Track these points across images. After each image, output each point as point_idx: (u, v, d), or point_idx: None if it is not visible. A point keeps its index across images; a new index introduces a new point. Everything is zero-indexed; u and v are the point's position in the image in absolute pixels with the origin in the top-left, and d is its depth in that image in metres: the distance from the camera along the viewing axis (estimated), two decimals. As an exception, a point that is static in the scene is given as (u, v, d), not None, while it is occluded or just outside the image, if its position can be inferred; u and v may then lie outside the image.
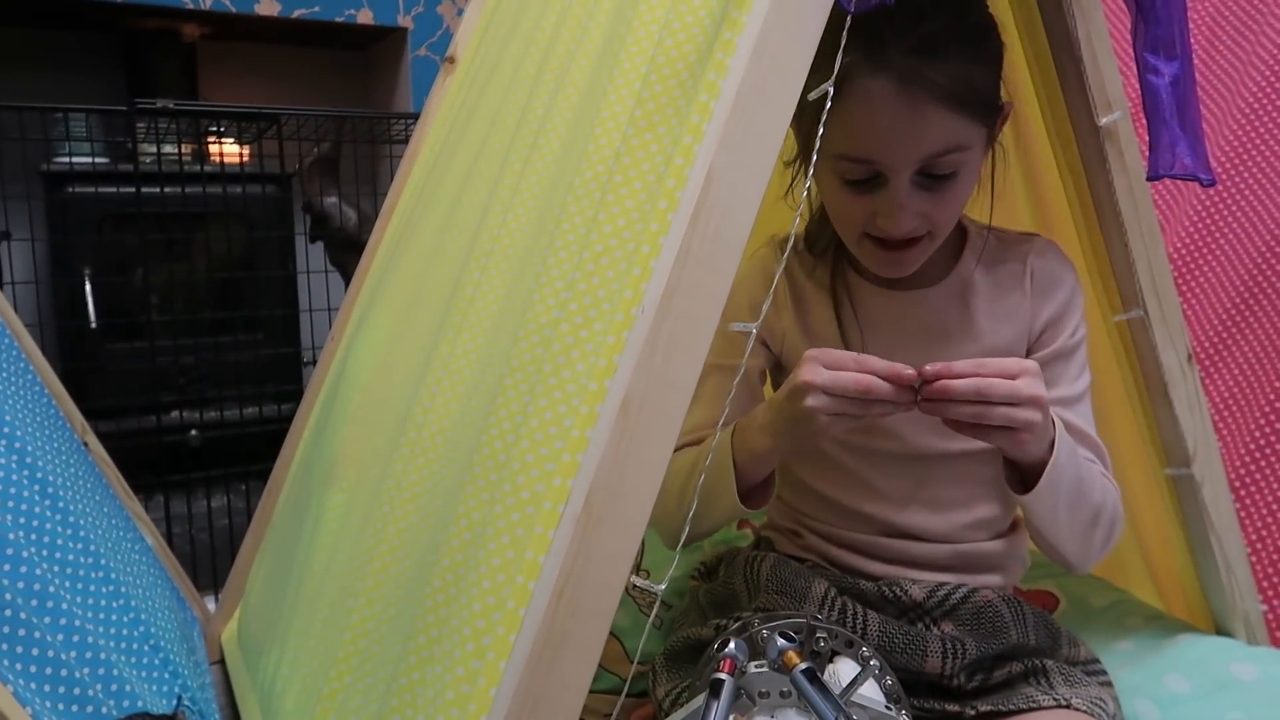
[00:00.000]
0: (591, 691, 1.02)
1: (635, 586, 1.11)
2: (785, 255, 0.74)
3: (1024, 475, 0.83)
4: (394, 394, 1.01)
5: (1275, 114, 1.38)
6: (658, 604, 0.63)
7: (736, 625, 0.64)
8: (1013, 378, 0.74)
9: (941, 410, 0.76)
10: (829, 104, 0.64)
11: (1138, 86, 0.76)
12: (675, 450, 0.90)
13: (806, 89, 0.64)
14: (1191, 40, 1.55)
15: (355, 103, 2.40)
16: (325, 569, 1.01)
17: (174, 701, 0.74)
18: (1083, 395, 0.89)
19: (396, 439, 0.92)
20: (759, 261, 0.95)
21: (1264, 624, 0.99)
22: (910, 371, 0.74)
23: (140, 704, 0.76)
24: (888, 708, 0.61)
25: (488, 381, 0.80)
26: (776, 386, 0.94)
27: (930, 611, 0.85)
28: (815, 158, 0.66)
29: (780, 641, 0.59)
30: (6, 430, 0.89)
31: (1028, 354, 0.89)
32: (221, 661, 1.32)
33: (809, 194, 0.70)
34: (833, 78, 0.65)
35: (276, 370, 1.86)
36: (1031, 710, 0.78)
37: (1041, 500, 0.81)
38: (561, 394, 0.69)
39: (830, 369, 0.75)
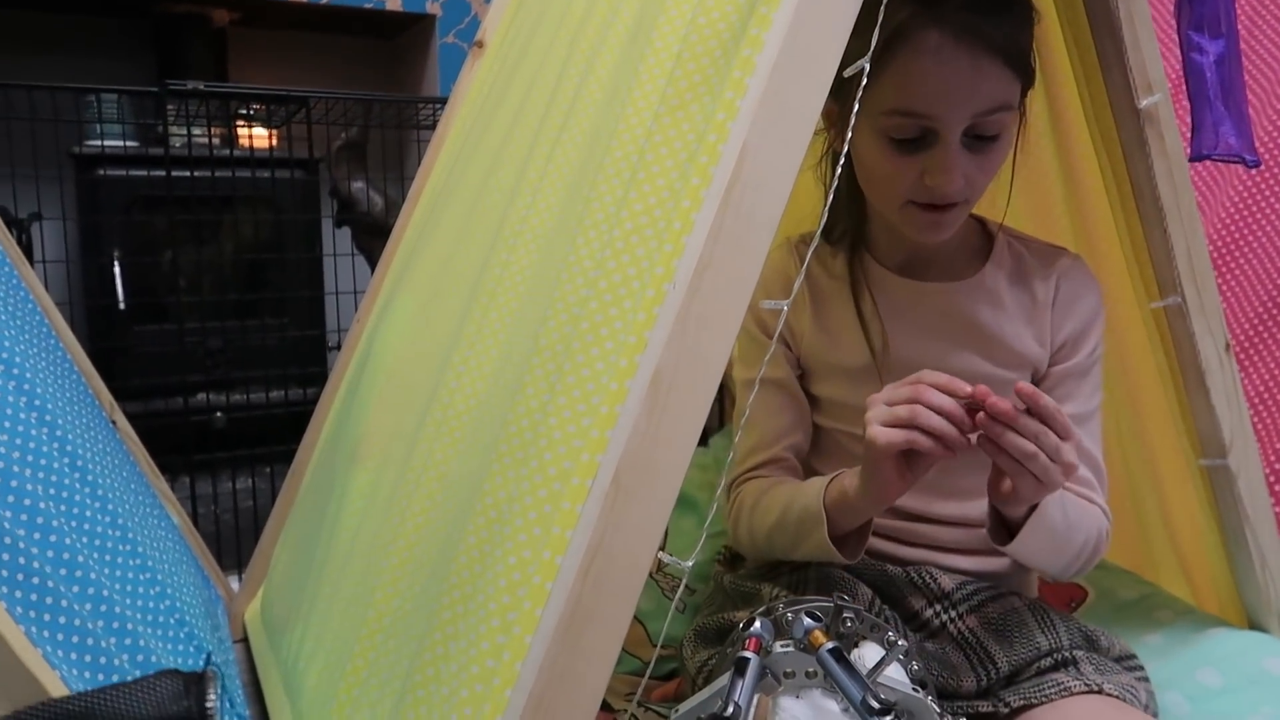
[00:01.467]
0: (613, 673, 1.03)
1: (660, 571, 1.12)
2: (811, 248, 0.72)
3: (1009, 523, 0.82)
4: (420, 375, 1.01)
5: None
6: (683, 586, 0.63)
7: (763, 609, 0.64)
8: (1064, 438, 0.72)
9: (997, 434, 0.72)
10: (866, 74, 0.63)
11: (1178, 69, 0.74)
12: (740, 480, 0.92)
13: (848, 56, 0.63)
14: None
15: (384, 90, 2.41)
16: (349, 548, 1.02)
17: (202, 661, 0.74)
18: (1094, 413, 0.89)
19: (422, 419, 0.92)
20: (773, 263, 0.93)
21: (1298, 619, 0.97)
22: (967, 387, 0.72)
23: (166, 674, 0.77)
24: (914, 690, 0.61)
25: (515, 361, 0.79)
26: (805, 395, 0.94)
27: (958, 604, 0.85)
28: (854, 120, 0.65)
29: (807, 621, 0.59)
30: (38, 404, 0.90)
31: (1048, 366, 0.89)
32: (245, 640, 1.33)
33: (829, 181, 0.69)
34: (869, 54, 0.64)
35: (301, 353, 1.87)
36: (1063, 697, 0.78)
37: (1024, 545, 0.80)
38: (590, 371, 0.69)
39: (890, 404, 0.73)
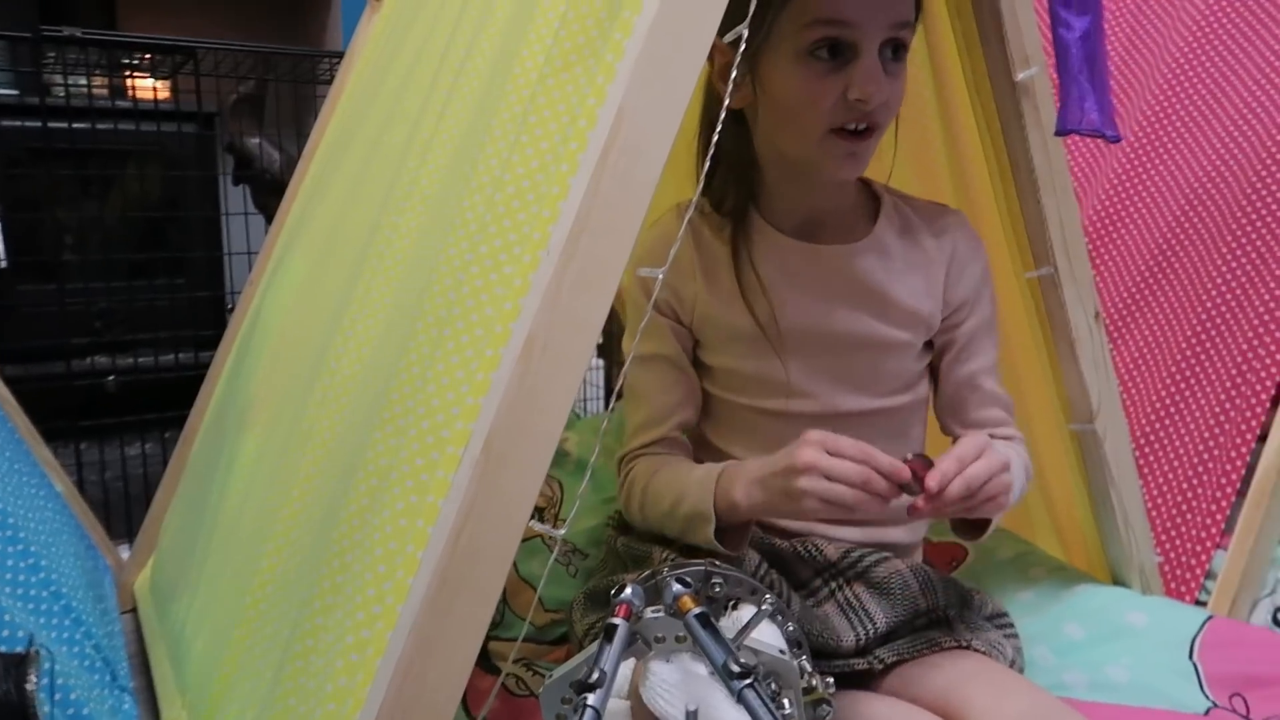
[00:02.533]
0: (503, 639, 1.03)
1: (557, 537, 1.12)
2: (687, 214, 0.72)
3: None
4: (309, 337, 0.99)
5: (1193, 84, 1.41)
6: (556, 548, 0.63)
7: (646, 574, 0.64)
8: (977, 458, 0.75)
9: (936, 513, 0.76)
10: (745, 39, 0.63)
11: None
12: (631, 456, 0.92)
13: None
14: (1119, 7, 1.58)
15: (286, 42, 2.32)
16: (237, 514, 1.00)
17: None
18: (996, 360, 0.92)
19: (311, 383, 0.90)
20: (660, 228, 0.92)
21: (1158, 575, 1.03)
22: (906, 474, 0.74)
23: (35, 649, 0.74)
24: (781, 652, 0.62)
25: (400, 326, 0.78)
26: (697, 367, 0.93)
27: (844, 571, 0.87)
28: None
29: (676, 587, 0.60)
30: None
31: (942, 323, 0.91)
32: (135, 610, 1.30)
33: (711, 152, 0.69)
34: (747, 19, 0.64)
35: (199, 315, 1.81)
36: (934, 652, 0.81)
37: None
38: (470, 338, 0.68)
39: (833, 454, 0.74)
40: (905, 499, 0.75)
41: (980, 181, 0.95)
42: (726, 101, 0.67)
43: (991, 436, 0.84)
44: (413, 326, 0.74)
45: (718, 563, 0.65)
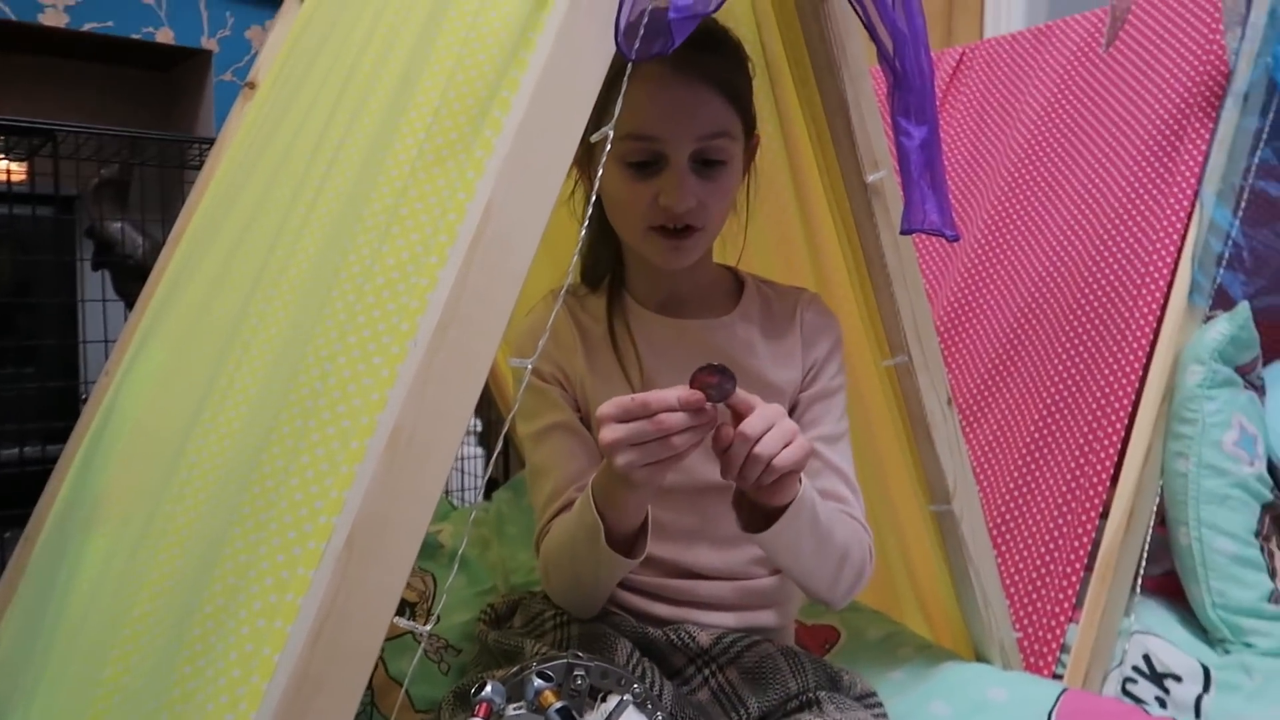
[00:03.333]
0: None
1: (424, 633, 1.09)
2: (560, 296, 0.74)
3: (767, 515, 0.82)
4: (167, 430, 0.95)
5: (1029, 188, 1.53)
6: (423, 643, 0.62)
7: (513, 670, 0.63)
8: (769, 429, 0.74)
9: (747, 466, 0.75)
10: (610, 140, 0.66)
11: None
12: (543, 533, 0.90)
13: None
14: (962, 116, 1.71)
15: (156, 126, 2.27)
16: (81, 619, 0.93)
17: None
18: (843, 435, 0.95)
19: (167, 478, 0.86)
20: (534, 317, 0.96)
21: (1018, 650, 1.07)
22: (700, 395, 0.73)
23: None
24: (653, 742, 0.62)
25: (264, 417, 0.76)
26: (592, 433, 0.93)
27: (717, 658, 0.87)
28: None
29: (537, 682, 0.59)
30: None
31: (799, 394, 0.95)
32: (-40, 728, 1.18)
33: (584, 225, 0.72)
34: (613, 120, 0.67)
35: (49, 406, 1.72)
36: (803, 732, 0.81)
37: (780, 537, 0.81)
38: (336, 429, 0.67)
39: (623, 421, 0.74)
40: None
41: (839, 274, 1.00)
42: (592, 193, 0.70)
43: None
44: (277, 418, 0.72)
45: (581, 655, 0.65)
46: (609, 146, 0.68)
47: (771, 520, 0.80)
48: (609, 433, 0.74)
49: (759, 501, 0.81)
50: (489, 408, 1.97)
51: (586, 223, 0.72)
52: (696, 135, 0.84)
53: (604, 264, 0.97)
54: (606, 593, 0.90)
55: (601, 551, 0.80)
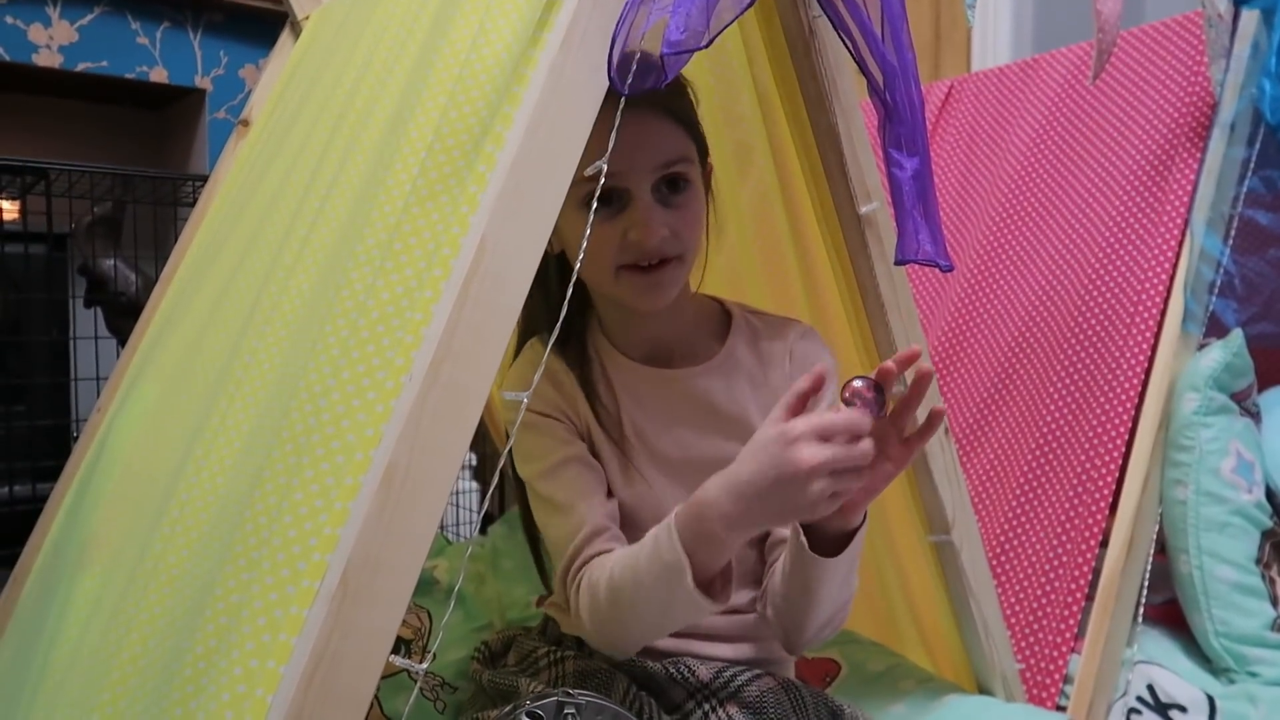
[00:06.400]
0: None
1: (420, 671, 1.07)
2: (549, 345, 0.73)
3: (825, 542, 0.80)
4: (158, 468, 0.94)
5: (1021, 218, 1.54)
6: (419, 682, 0.61)
7: (506, 709, 0.62)
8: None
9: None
10: (603, 179, 0.66)
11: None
12: (578, 567, 0.84)
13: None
14: (951, 148, 1.72)
15: (150, 163, 2.28)
16: (70, 661, 0.92)
17: None
18: None
19: (158, 517, 0.85)
20: (526, 359, 0.94)
21: (1020, 682, 1.06)
22: (871, 423, 0.70)
23: None
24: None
25: (257, 453, 0.75)
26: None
27: (716, 692, 0.86)
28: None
29: (526, 720, 0.58)
30: None
31: None
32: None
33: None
34: (607, 154, 0.67)
35: (39, 445, 1.71)
36: (804, 773, 0.80)
37: (843, 562, 0.79)
38: (330, 465, 0.66)
39: (826, 439, 0.67)
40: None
41: (834, 306, 1.00)
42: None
43: None
44: (270, 454, 0.72)
45: (572, 692, 0.64)
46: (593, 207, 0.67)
47: (840, 544, 0.78)
48: (812, 453, 0.66)
49: (827, 525, 0.78)
50: (483, 442, 1.95)
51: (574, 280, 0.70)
52: (654, 165, 0.83)
53: (569, 319, 0.92)
54: (665, 635, 0.86)
55: (682, 592, 0.73)
